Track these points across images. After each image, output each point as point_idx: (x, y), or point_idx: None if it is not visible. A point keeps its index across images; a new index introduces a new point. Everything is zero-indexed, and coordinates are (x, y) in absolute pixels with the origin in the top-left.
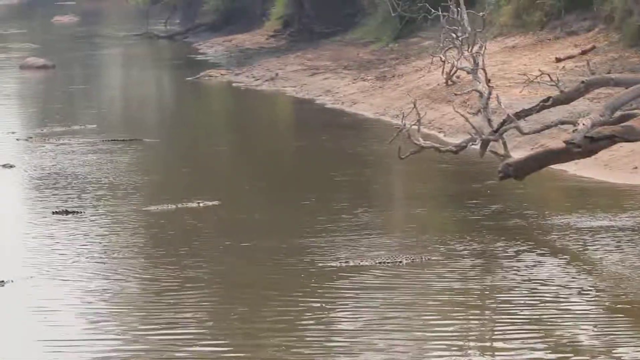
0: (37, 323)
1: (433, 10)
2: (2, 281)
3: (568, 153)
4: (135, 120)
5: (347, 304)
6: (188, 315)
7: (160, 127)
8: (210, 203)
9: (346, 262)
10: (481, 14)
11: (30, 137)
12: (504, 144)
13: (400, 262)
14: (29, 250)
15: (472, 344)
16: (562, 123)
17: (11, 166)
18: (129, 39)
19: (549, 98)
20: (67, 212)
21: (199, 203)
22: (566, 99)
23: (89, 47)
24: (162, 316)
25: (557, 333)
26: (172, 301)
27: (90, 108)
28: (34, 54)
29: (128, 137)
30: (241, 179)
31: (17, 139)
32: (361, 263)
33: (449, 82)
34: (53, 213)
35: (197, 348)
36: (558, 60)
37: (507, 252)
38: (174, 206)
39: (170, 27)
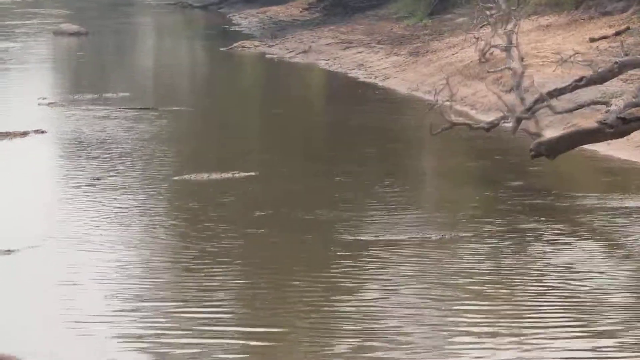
0: (60, 295)
1: None
2: (17, 250)
3: (600, 133)
4: (168, 89)
5: (375, 280)
6: (216, 290)
7: (193, 97)
8: (245, 174)
9: (375, 236)
10: None
11: (63, 103)
12: (537, 122)
13: (430, 237)
14: (56, 218)
15: (500, 325)
16: (595, 103)
17: (43, 132)
18: (163, 7)
19: (582, 78)
20: (97, 180)
21: (233, 174)
22: (599, 79)
23: (123, 15)
24: (189, 292)
25: (588, 317)
26: (200, 275)
27: (123, 76)
28: (67, 20)
29: (161, 106)
30: (274, 150)
31: (49, 105)
32: (391, 238)
33: (482, 60)
34: (89, 180)
35: (224, 328)
36: (592, 40)
37: (536, 232)
38: (207, 176)
39: None
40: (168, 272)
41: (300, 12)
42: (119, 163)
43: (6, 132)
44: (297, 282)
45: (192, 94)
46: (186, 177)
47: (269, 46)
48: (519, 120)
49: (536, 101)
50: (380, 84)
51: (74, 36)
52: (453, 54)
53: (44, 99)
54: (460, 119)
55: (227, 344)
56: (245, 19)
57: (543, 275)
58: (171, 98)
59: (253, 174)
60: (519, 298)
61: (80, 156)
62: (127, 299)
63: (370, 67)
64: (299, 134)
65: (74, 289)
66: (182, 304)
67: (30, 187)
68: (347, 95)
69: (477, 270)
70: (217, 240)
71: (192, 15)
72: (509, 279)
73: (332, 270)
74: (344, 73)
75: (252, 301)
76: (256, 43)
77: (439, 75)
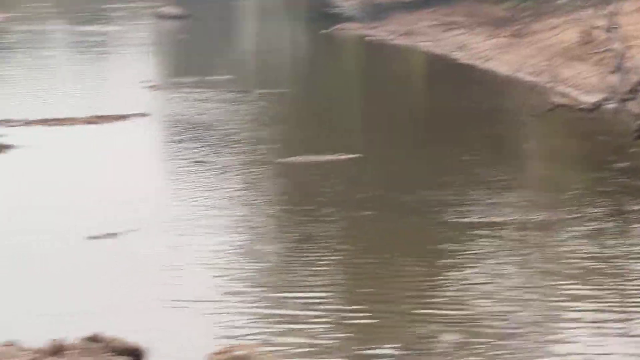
0: (165, 279)
1: None
2: (123, 232)
3: None
4: (269, 71)
5: (479, 263)
6: (319, 274)
7: (295, 79)
8: (348, 156)
9: (479, 218)
10: None
11: (165, 86)
12: None
13: (533, 219)
14: (158, 202)
15: (605, 307)
16: None
17: (146, 115)
18: None
19: None
20: (199, 162)
21: (338, 155)
22: None
23: None
24: (293, 275)
25: None
26: (304, 259)
27: (225, 58)
28: (168, 3)
29: (262, 88)
30: (377, 132)
31: (151, 88)
32: (494, 220)
33: (584, 41)
34: (191, 162)
35: (328, 312)
36: None
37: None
38: (310, 158)
39: None
40: (272, 256)
41: None
42: (222, 146)
43: (110, 115)
44: (402, 266)
45: (294, 76)
46: (290, 159)
47: (370, 28)
48: (622, 101)
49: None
50: (481, 66)
51: (175, 19)
52: (554, 35)
53: (146, 82)
54: (563, 100)
55: (331, 327)
56: (346, 1)
57: None
58: (272, 80)
59: (357, 155)
60: (623, 279)
61: (182, 139)
62: (230, 282)
63: (471, 49)
64: (401, 115)
65: (178, 273)
66: (286, 288)
67: (133, 170)
68: (448, 77)
69: (580, 253)
70: (322, 224)
71: None
72: (612, 261)
73: (436, 253)
74: (444, 55)
75: (356, 285)
76: (357, 25)
77: (540, 56)
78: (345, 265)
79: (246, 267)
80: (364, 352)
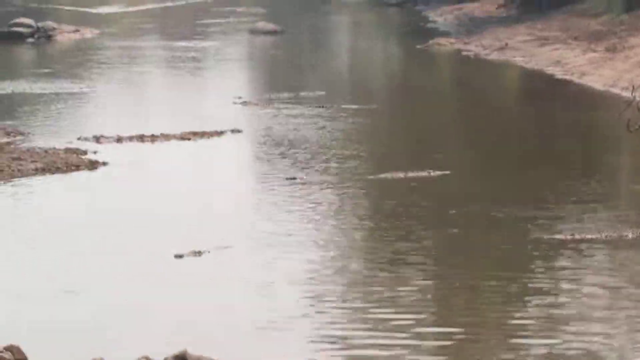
0: (253, 296)
1: None
2: (203, 252)
3: None
4: (363, 87)
5: (568, 281)
6: (409, 291)
7: (389, 95)
8: (439, 172)
9: (572, 235)
10: None
11: (258, 102)
12: None
13: (626, 236)
14: (249, 219)
15: None
16: None
17: (239, 131)
18: (358, 5)
19: None
20: (292, 179)
21: (429, 172)
22: None
23: (317, 13)
24: (383, 293)
25: None
26: (391, 276)
27: (318, 75)
28: (263, 18)
29: (355, 104)
30: (469, 147)
31: (244, 104)
32: (585, 236)
33: None
34: (283, 179)
35: (418, 329)
36: None
37: None
38: (402, 175)
39: None
40: (361, 273)
41: (496, 8)
42: (314, 162)
43: (203, 132)
44: (491, 283)
45: (387, 92)
46: (381, 175)
47: (465, 43)
48: None
49: None
50: (576, 80)
51: (269, 35)
52: None
53: (239, 98)
54: None
55: (421, 345)
56: (440, 16)
57: None
58: (366, 96)
59: (447, 172)
60: None
61: (274, 155)
62: (319, 300)
63: (566, 63)
64: (494, 130)
65: (267, 290)
66: (374, 304)
67: (224, 186)
68: (543, 93)
69: None
70: (412, 240)
71: (387, 13)
72: None
73: (525, 271)
74: (540, 70)
75: (446, 302)
76: (452, 40)
77: (637, 71)
78: (433, 282)
79: (334, 285)
80: None
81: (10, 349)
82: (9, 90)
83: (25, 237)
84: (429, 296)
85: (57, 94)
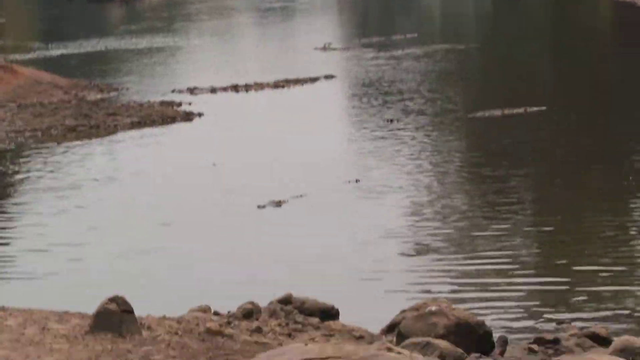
0: (357, 244)
1: None
2: (297, 196)
3: None
4: (454, 27)
5: None
6: (512, 235)
7: (480, 34)
8: (535, 109)
9: None
10: None
11: (349, 47)
12: None
13: None
14: (345, 165)
15: None
16: None
17: (332, 76)
18: None
19: None
20: (389, 121)
21: (525, 109)
22: None
23: None
24: (485, 234)
25: None
26: (494, 223)
27: (409, 17)
28: None
29: (448, 44)
30: (565, 85)
31: (335, 50)
32: None
33: None
34: (380, 122)
35: (513, 279)
36: None
37: None
38: (499, 112)
39: None
40: (462, 221)
41: None
42: (410, 104)
43: (297, 79)
44: (593, 225)
45: (479, 31)
46: (479, 114)
47: None
48: None
49: None
50: None
51: None
52: None
53: (329, 44)
54: None
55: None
56: None
57: None
58: (458, 36)
59: (543, 108)
60: None
61: (370, 99)
62: (416, 248)
63: None
64: (591, 67)
65: (367, 238)
66: (478, 246)
67: (321, 133)
68: (634, 25)
69: None
70: (513, 178)
71: None
72: None
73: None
74: (632, 1)
75: (549, 247)
76: None
77: None
78: (537, 227)
79: (433, 232)
80: (556, 316)
81: (115, 299)
82: (101, 48)
83: (122, 196)
84: (531, 242)
85: (149, 49)
